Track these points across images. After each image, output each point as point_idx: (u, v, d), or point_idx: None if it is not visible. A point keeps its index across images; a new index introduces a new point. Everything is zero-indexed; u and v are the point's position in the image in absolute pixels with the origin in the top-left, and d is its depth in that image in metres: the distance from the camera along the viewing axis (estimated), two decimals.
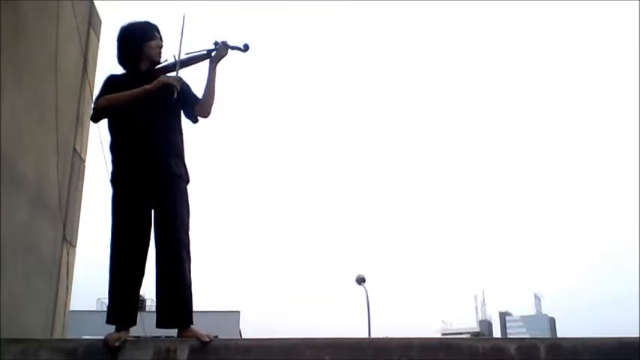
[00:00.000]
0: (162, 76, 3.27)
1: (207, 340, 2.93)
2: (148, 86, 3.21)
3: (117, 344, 2.89)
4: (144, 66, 3.34)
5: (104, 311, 3.16)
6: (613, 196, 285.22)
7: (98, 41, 6.40)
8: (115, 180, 3.25)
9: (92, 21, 6.21)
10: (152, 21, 3.45)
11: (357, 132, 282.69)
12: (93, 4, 6.31)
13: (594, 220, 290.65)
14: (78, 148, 5.85)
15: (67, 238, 5.56)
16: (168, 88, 3.21)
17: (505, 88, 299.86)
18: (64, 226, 5.43)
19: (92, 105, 3.36)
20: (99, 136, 3.99)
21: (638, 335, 3.04)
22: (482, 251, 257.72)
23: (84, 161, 6.03)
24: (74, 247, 5.78)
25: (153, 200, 3.20)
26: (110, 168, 3.30)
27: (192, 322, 3.13)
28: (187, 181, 3.33)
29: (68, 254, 5.56)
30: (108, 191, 3.27)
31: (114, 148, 3.30)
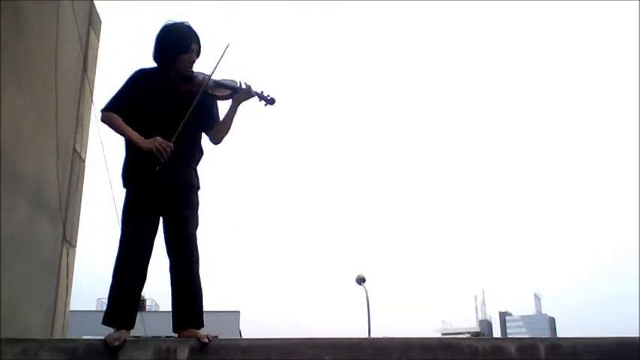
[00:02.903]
0: (158, 139, 3.14)
1: (207, 340, 2.94)
2: (140, 141, 3.15)
3: (117, 344, 2.89)
4: (173, 74, 3.36)
5: (104, 311, 3.15)
6: (613, 197, 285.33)
7: (98, 41, 6.41)
8: (131, 183, 3.25)
9: (92, 21, 6.22)
10: (194, 28, 3.37)
11: (358, 133, 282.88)
12: (93, 4, 6.32)
13: (594, 220, 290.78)
14: (78, 148, 5.85)
15: (67, 238, 5.56)
16: (154, 156, 3.12)
17: (507, 89, 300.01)
18: (64, 226, 5.44)
19: (104, 101, 3.33)
20: (99, 136, 3.99)
21: (638, 335, 3.05)
22: (482, 251, 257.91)
23: (84, 161, 6.03)
24: (74, 247, 5.79)
25: (165, 206, 3.21)
26: (123, 170, 3.28)
27: (202, 325, 3.17)
28: (198, 188, 3.35)
29: (68, 254, 5.57)
30: (108, 192, 3.26)
31: (131, 150, 3.26)
